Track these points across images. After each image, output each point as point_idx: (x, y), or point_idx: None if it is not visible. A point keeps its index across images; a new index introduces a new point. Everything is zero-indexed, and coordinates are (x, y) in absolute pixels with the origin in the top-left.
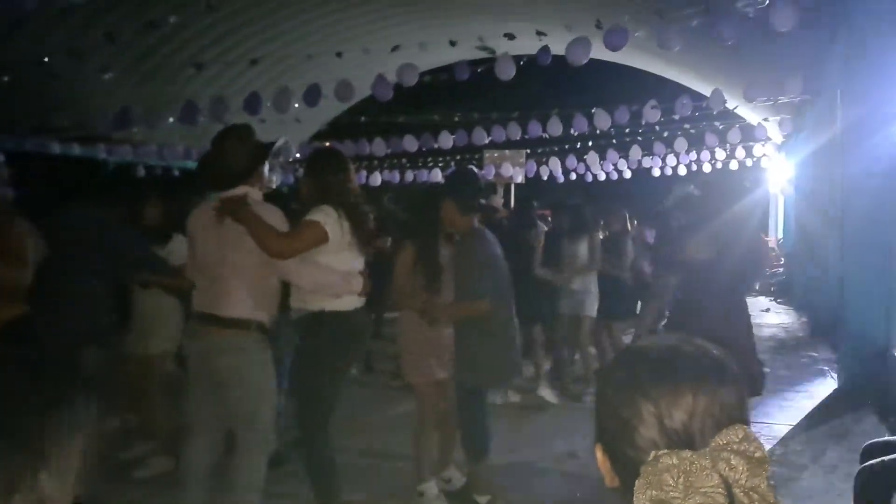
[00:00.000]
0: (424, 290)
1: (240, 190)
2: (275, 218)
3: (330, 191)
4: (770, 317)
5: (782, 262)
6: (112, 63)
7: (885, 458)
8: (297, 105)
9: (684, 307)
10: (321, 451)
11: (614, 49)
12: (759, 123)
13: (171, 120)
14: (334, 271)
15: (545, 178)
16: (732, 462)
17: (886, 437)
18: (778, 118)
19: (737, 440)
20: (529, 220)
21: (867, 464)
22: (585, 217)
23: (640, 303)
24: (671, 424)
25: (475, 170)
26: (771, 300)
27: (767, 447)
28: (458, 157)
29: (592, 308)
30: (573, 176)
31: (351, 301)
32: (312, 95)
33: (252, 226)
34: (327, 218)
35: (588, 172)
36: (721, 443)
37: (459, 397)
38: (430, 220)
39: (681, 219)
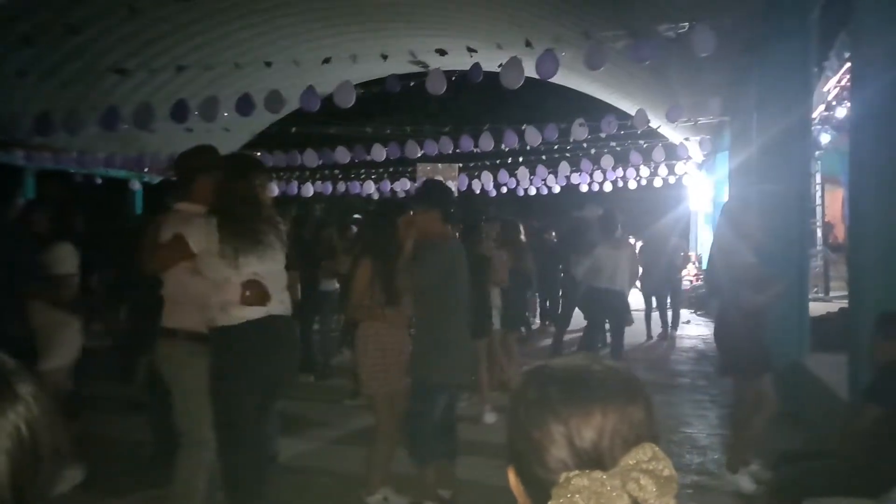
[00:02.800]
0: (385, 304)
1: (176, 205)
2: (193, 233)
3: (219, 197)
4: (690, 328)
5: (702, 277)
6: (31, 67)
7: (797, 465)
8: (226, 114)
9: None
10: (235, 472)
11: (545, 77)
12: (681, 143)
13: (93, 126)
14: (203, 281)
15: (477, 191)
16: (642, 482)
17: (799, 446)
18: (698, 138)
19: (646, 459)
20: (480, 233)
21: (780, 471)
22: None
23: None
24: (581, 444)
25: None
26: (692, 312)
27: (687, 456)
28: (390, 170)
29: (498, 321)
30: (504, 190)
31: (247, 312)
32: (244, 105)
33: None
34: (190, 228)
35: (519, 187)
36: (630, 463)
37: (416, 399)
38: (389, 235)
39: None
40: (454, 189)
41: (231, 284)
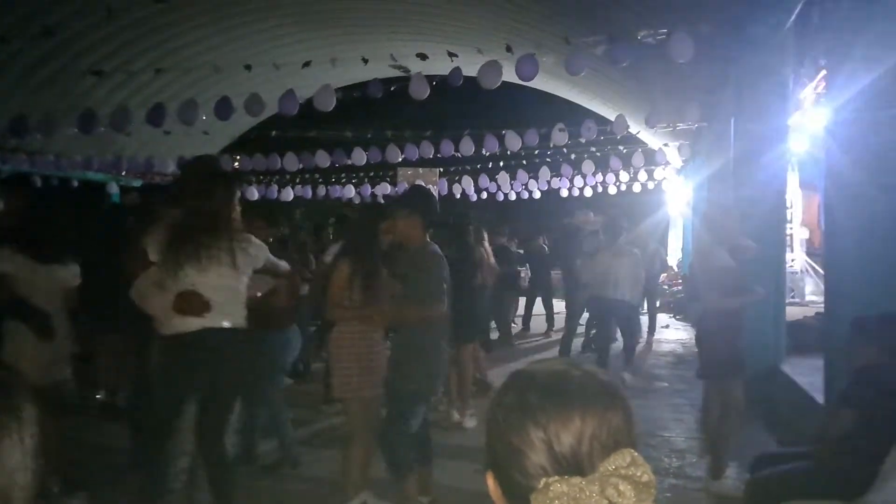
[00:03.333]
0: (363, 303)
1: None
2: (152, 243)
3: (178, 208)
4: (669, 333)
5: (681, 281)
6: (6, 68)
7: (773, 468)
8: (204, 117)
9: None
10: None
11: (525, 79)
12: (660, 148)
13: (70, 129)
14: (158, 292)
15: (458, 196)
16: (620, 487)
17: (774, 449)
18: (677, 143)
19: (624, 465)
20: (467, 236)
21: (756, 474)
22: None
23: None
24: (560, 449)
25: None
26: (670, 317)
27: (665, 460)
28: (371, 174)
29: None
30: (485, 194)
31: (181, 324)
32: (224, 108)
33: None
34: (153, 239)
35: (499, 192)
36: (610, 468)
37: (394, 409)
38: (372, 236)
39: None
40: (435, 193)
41: (170, 293)
